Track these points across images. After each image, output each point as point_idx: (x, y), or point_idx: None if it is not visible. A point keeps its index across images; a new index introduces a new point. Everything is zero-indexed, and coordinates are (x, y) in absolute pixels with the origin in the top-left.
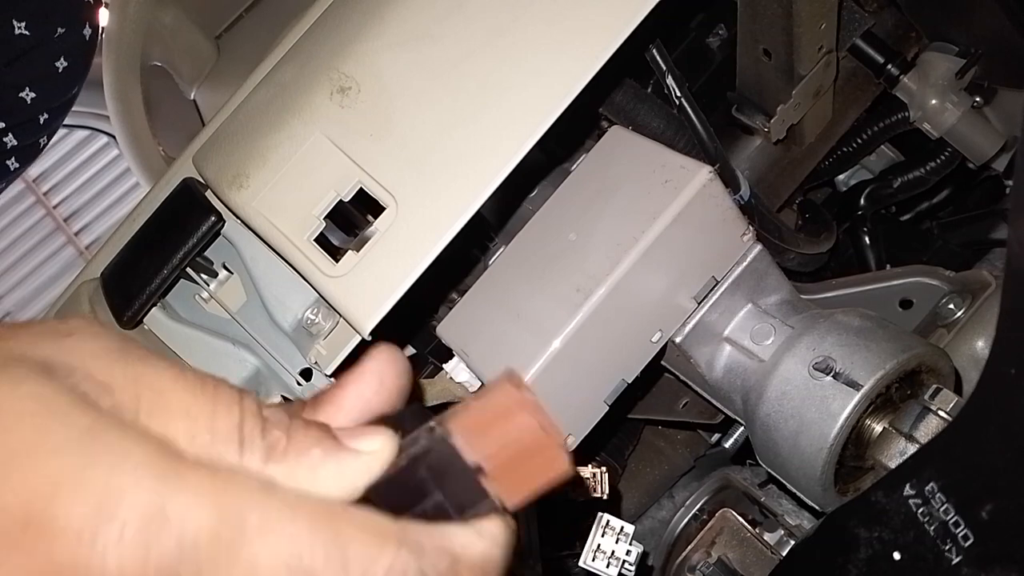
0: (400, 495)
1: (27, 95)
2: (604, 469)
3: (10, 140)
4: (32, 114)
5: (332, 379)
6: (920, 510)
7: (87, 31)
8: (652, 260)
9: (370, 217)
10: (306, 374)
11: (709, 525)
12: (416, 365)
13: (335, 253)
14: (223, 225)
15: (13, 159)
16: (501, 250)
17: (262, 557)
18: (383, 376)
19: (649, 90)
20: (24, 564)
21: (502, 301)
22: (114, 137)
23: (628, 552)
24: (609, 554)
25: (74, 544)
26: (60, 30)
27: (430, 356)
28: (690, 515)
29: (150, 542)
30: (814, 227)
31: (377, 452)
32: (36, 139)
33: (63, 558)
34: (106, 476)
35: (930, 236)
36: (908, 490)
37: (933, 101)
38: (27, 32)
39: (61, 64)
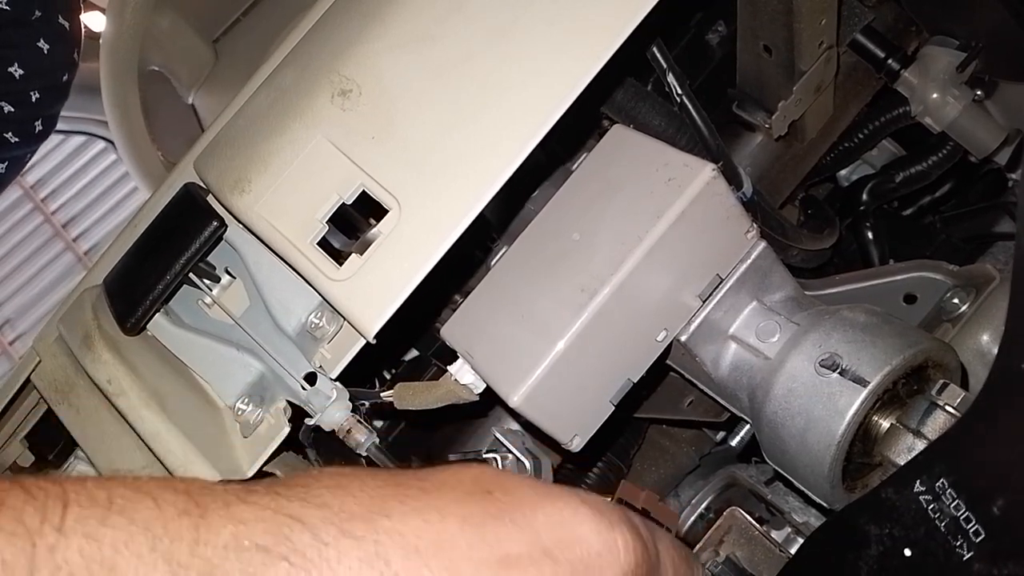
0: None
1: (15, 71)
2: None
3: (6, 106)
4: (23, 88)
5: (336, 383)
6: (931, 506)
7: (64, 21)
8: (656, 259)
9: (372, 220)
10: (311, 378)
11: (717, 524)
12: (420, 367)
13: (338, 256)
14: (225, 230)
15: (11, 133)
16: (504, 251)
17: None
18: None
19: (650, 88)
20: None
21: (506, 302)
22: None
23: None
24: None
25: None
26: (37, 12)
27: (434, 358)
28: (696, 514)
29: None
30: (817, 223)
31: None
32: (31, 118)
33: None
34: None
35: (933, 230)
36: (919, 486)
37: (934, 95)
38: (7, 7)
39: (44, 46)
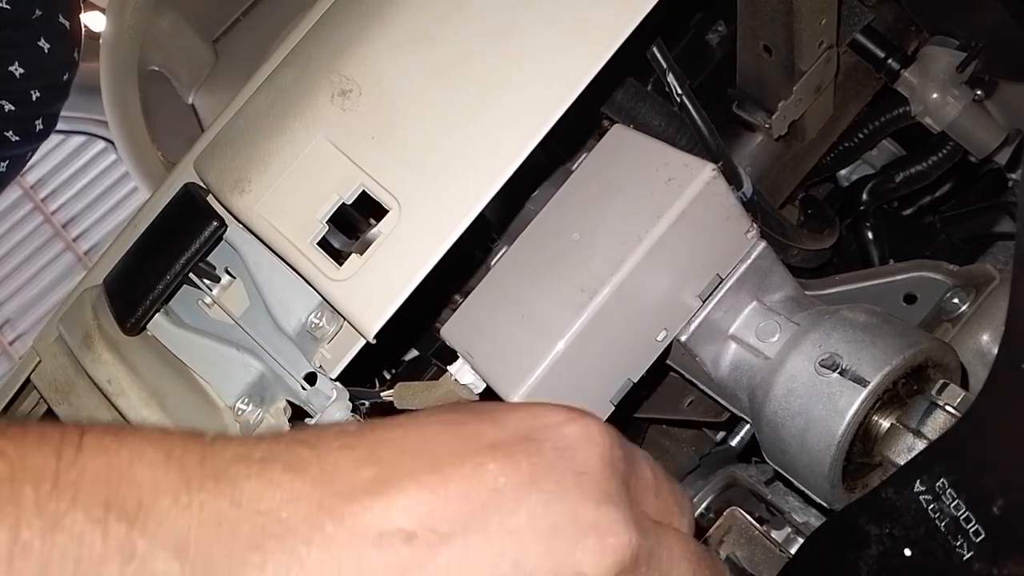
0: None
1: (15, 69)
2: None
3: (7, 104)
4: (23, 87)
5: (336, 383)
6: (931, 506)
7: (65, 21)
8: (657, 259)
9: (372, 220)
10: (311, 378)
11: (717, 524)
12: (420, 367)
13: (338, 256)
14: (225, 230)
15: (11, 132)
16: (504, 251)
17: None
18: None
19: (650, 88)
20: None
21: (506, 302)
22: (111, 142)
23: None
24: None
25: None
26: (38, 11)
27: (434, 358)
28: (696, 513)
29: None
30: (817, 223)
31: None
32: (32, 116)
33: None
34: None
35: (933, 230)
36: (919, 486)
37: (934, 95)
38: (7, 6)
39: (44, 45)
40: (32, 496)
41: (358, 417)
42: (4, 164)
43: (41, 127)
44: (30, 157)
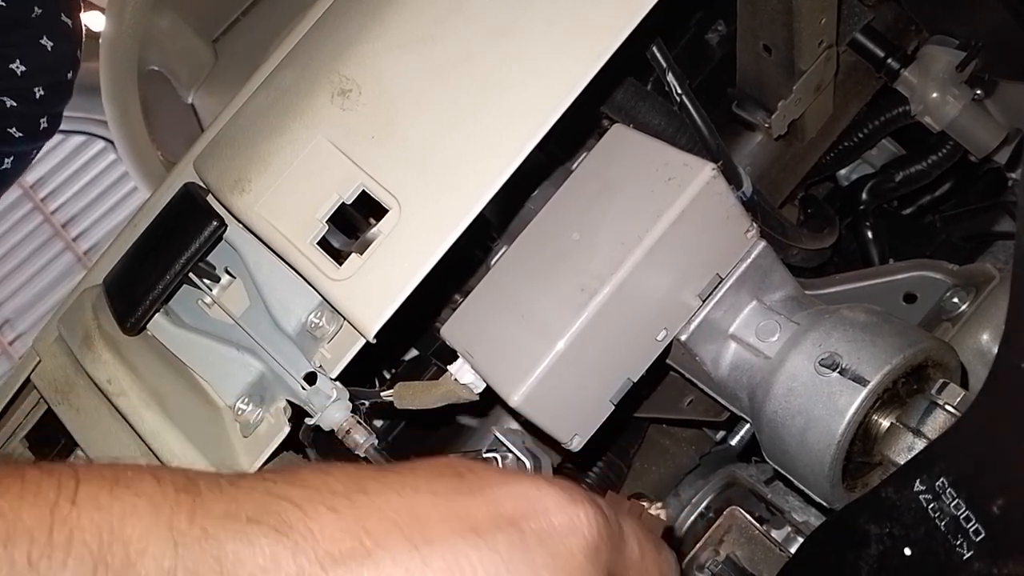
0: None
1: (16, 67)
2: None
3: (9, 101)
4: (25, 85)
5: (336, 382)
6: (931, 505)
7: (66, 19)
8: (656, 258)
9: (372, 220)
10: (310, 378)
11: (717, 523)
12: (420, 367)
13: (338, 256)
14: (225, 230)
15: (15, 128)
16: (504, 251)
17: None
18: None
19: (649, 87)
20: None
21: (506, 302)
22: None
23: None
24: None
25: None
26: (37, 10)
27: (434, 358)
28: (696, 513)
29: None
30: (817, 222)
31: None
32: (35, 114)
33: None
34: None
35: (933, 230)
36: (919, 485)
37: (934, 94)
38: (4, 4)
39: (47, 43)
40: (24, 558)
41: (358, 418)
42: (9, 160)
43: (46, 125)
44: (35, 155)
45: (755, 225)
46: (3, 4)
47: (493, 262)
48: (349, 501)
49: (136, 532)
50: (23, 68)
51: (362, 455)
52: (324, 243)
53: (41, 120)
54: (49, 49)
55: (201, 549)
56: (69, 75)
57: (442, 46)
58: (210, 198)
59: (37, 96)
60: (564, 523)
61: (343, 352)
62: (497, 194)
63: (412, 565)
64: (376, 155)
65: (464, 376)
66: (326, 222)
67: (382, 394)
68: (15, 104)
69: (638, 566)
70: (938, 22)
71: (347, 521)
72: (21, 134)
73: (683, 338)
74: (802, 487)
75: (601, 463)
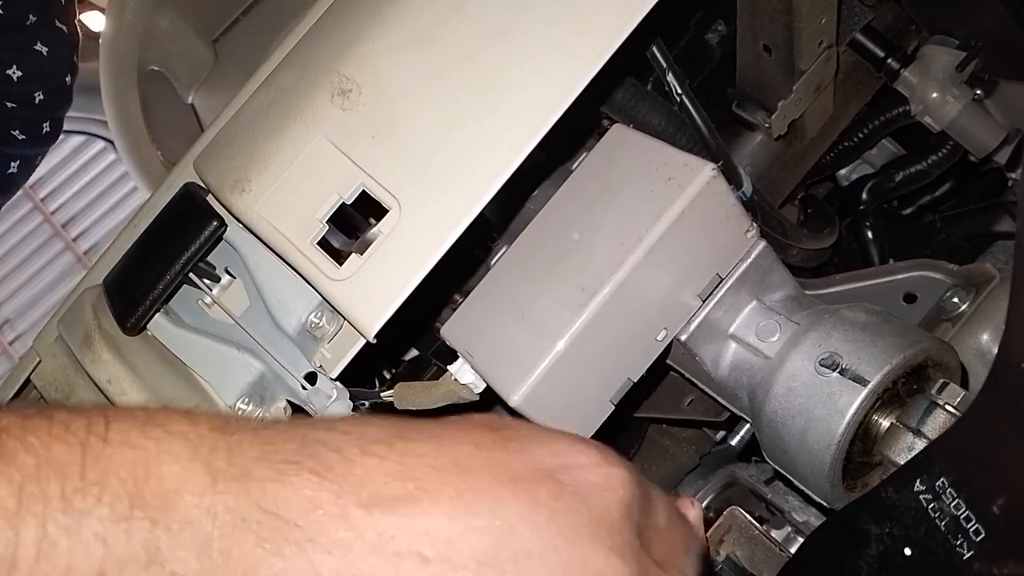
0: None
1: (13, 73)
2: None
3: (8, 103)
4: (23, 90)
5: (337, 382)
6: (931, 505)
7: (61, 25)
8: (657, 258)
9: (372, 220)
10: (311, 378)
11: (717, 523)
12: (420, 367)
13: (338, 256)
14: (225, 230)
15: (17, 131)
16: (504, 250)
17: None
18: None
19: (649, 87)
20: None
21: (506, 302)
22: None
23: None
24: None
25: None
26: (32, 17)
27: (434, 358)
28: None
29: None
30: (816, 222)
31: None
32: (37, 118)
33: None
34: None
35: (933, 230)
36: (919, 485)
37: (934, 94)
38: (1, 11)
39: (42, 48)
40: (58, 492)
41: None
42: (15, 165)
43: (48, 129)
44: (39, 161)
45: (755, 225)
46: (0, 11)
47: (493, 262)
48: (389, 447)
49: (172, 470)
50: (19, 74)
51: None
52: (324, 243)
53: (43, 124)
54: (45, 55)
55: (241, 487)
56: (67, 80)
57: (442, 46)
58: (210, 198)
59: (37, 101)
60: (600, 480)
61: (343, 352)
62: (497, 194)
63: (456, 512)
64: (376, 155)
65: (464, 376)
66: (326, 222)
67: (382, 394)
68: (15, 107)
69: (664, 533)
70: (938, 22)
71: (389, 466)
72: (24, 136)
73: (683, 338)
74: (802, 487)
75: None
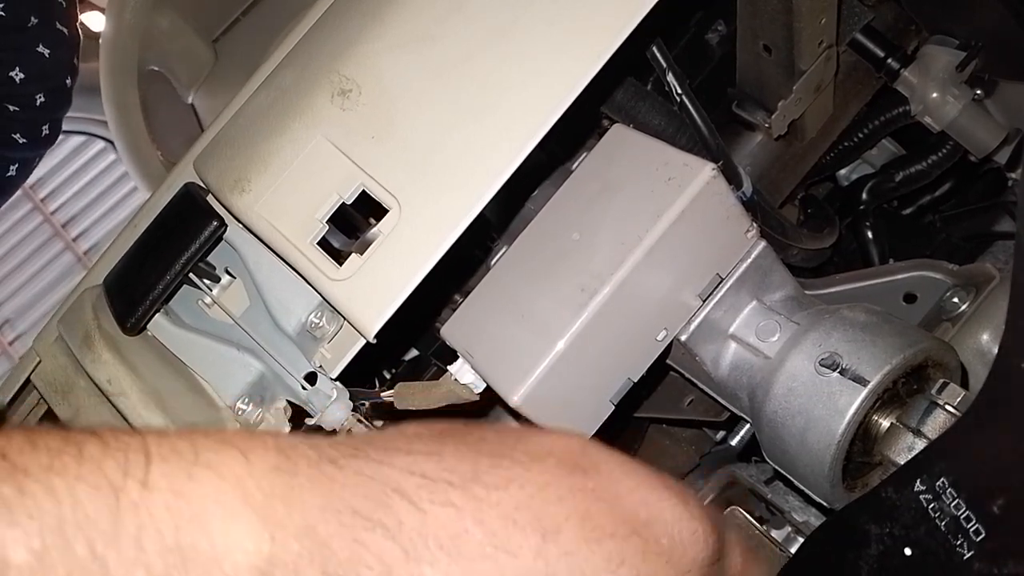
0: None
1: (16, 75)
2: None
3: (11, 107)
4: (25, 92)
5: (337, 382)
6: (931, 505)
7: (62, 27)
8: (657, 258)
9: (372, 220)
10: (311, 378)
11: None
12: (420, 367)
13: (338, 256)
14: (225, 230)
15: (19, 134)
16: (504, 251)
17: None
18: None
19: (649, 87)
20: None
21: (506, 302)
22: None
23: None
24: None
25: None
26: (34, 19)
27: (434, 358)
28: None
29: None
30: (816, 222)
31: None
32: (37, 120)
33: None
34: None
35: (933, 230)
36: (919, 485)
37: (934, 94)
38: (3, 13)
39: (44, 50)
40: (87, 552)
41: (359, 417)
42: (14, 168)
43: (47, 132)
44: (36, 163)
45: (755, 225)
46: (2, 13)
47: (493, 262)
48: (468, 496)
49: (222, 524)
50: (22, 75)
51: None
52: (324, 243)
53: (43, 126)
54: (47, 56)
55: (300, 546)
56: (68, 81)
57: (442, 46)
58: (210, 198)
59: (38, 103)
60: (685, 538)
61: (343, 352)
62: (497, 194)
63: (536, 570)
64: (376, 155)
65: (464, 376)
66: (326, 222)
67: (382, 394)
68: (17, 110)
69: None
70: (938, 22)
71: (465, 520)
72: (25, 140)
73: (683, 338)
74: (802, 487)
75: None
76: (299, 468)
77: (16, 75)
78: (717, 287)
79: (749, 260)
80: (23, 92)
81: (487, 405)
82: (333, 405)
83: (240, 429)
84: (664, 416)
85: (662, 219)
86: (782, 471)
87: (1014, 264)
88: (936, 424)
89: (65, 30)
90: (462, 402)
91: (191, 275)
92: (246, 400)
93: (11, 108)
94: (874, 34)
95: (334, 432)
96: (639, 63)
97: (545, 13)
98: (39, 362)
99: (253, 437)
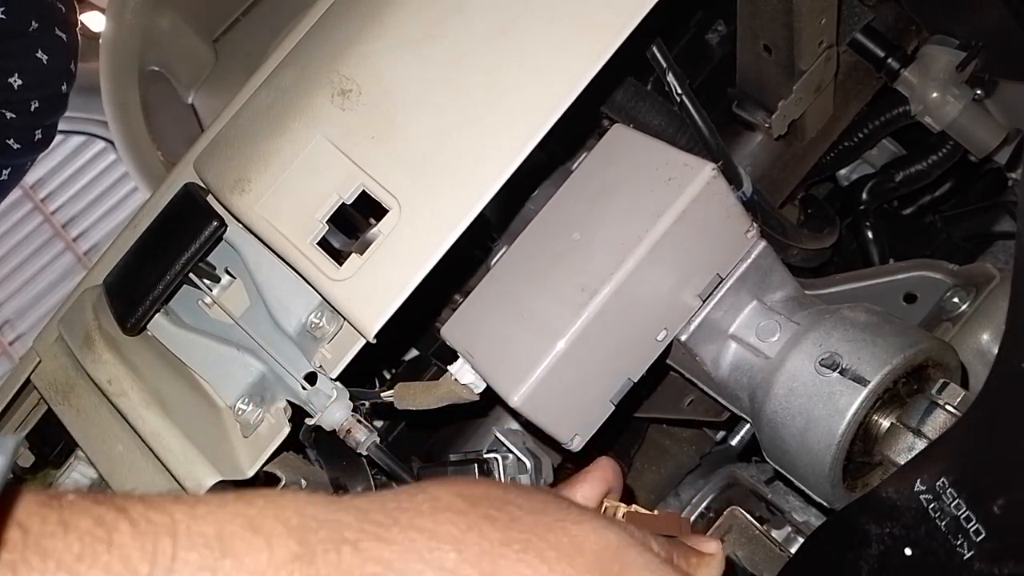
0: None
1: (15, 81)
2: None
3: (7, 113)
4: (22, 98)
5: (337, 382)
6: (931, 505)
7: (61, 33)
8: (657, 258)
9: (372, 220)
10: (311, 378)
11: (717, 523)
12: (420, 367)
13: (338, 256)
14: (225, 230)
15: (13, 140)
16: (504, 250)
17: None
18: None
19: (649, 87)
20: None
21: (506, 302)
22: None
23: None
24: None
25: None
26: (34, 24)
27: (434, 358)
28: (697, 513)
29: None
30: (817, 222)
31: (718, 552)
32: (32, 126)
33: None
34: None
35: (933, 230)
36: (919, 485)
37: (934, 94)
38: (4, 17)
39: (43, 56)
40: None
41: (359, 417)
42: (6, 172)
43: (40, 137)
44: (28, 167)
45: (755, 225)
46: (3, 17)
47: (493, 262)
48: (493, 567)
49: None
50: (20, 82)
51: (364, 454)
52: (324, 243)
53: (36, 132)
54: (44, 62)
55: None
56: (64, 88)
57: (442, 46)
58: (210, 198)
59: (32, 108)
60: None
61: (343, 352)
62: (497, 194)
63: None
64: (376, 155)
65: (464, 376)
66: (326, 222)
67: (382, 394)
68: (13, 116)
69: None
70: (938, 22)
71: None
72: (19, 146)
73: (683, 338)
74: (802, 487)
75: None
76: (316, 555)
77: (14, 81)
78: (717, 287)
79: (749, 260)
80: (20, 98)
81: (487, 405)
82: (333, 405)
83: (267, 490)
84: (664, 416)
85: (662, 219)
86: (782, 471)
87: (1014, 264)
88: (936, 424)
89: (64, 36)
90: (462, 402)
91: (191, 275)
92: (246, 400)
93: (8, 115)
94: (874, 34)
95: (334, 432)
96: (639, 63)
97: (545, 13)
98: (39, 362)
99: (278, 516)
